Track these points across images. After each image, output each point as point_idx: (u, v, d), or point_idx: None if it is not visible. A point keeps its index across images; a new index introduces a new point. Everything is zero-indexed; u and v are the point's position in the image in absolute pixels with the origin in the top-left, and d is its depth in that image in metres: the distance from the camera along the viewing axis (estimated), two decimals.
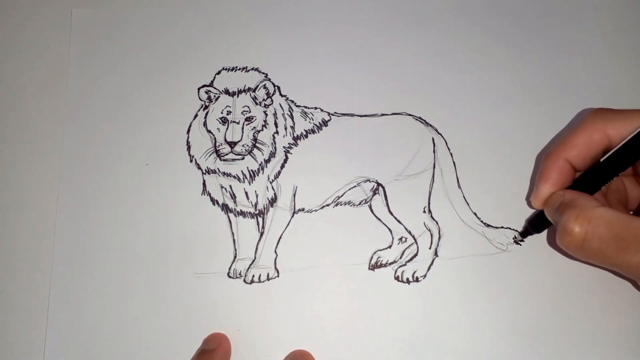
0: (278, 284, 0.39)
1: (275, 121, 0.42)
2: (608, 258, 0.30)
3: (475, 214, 0.40)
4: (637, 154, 0.30)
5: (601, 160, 0.32)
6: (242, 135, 0.41)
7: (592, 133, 0.32)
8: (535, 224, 0.37)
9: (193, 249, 0.40)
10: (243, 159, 0.41)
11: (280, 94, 0.43)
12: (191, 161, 0.42)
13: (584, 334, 0.37)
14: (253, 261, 0.39)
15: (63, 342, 0.38)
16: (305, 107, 0.43)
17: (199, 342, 0.37)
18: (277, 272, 0.39)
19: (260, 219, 0.40)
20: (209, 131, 0.42)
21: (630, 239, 0.29)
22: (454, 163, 0.41)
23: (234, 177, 0.41)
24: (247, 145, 0.41)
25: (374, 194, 0.41)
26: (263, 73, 0.44)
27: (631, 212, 0.36)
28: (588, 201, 0.31)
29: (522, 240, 0.39)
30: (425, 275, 0.39)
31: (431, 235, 0.40)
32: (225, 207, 0.41)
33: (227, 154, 0.41)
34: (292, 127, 0.42)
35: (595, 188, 0.33)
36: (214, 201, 0.41)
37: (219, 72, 0.44)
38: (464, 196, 0.40)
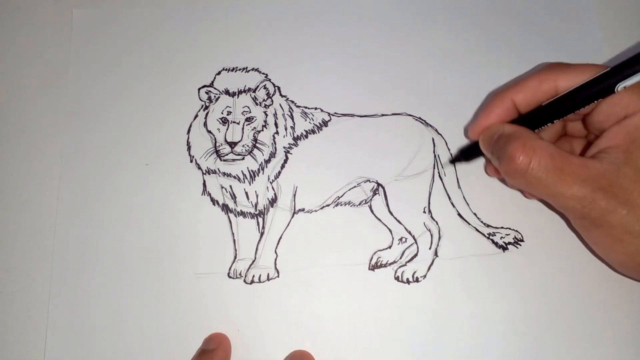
0: (278, 284, 0.39)
1: (275, 121, 0.42)
2: (546, 187, 0.32)
3: (475, 214, 0.40)
4: (576, 104, 0.32)
5: (543, 104, 0.34)
6: (242, 136, 0.41)
7: (542, 81, 0.34)
8: (467, 152, 0.39)
9: (193, 249, 0.40)
10: (243, 159, 0.41)
11: (281, 95, 0.43)
12: (191, 161, 0.42)
13: (585, 334, 0.37)
14: (253, 261, 0.39)
15: (63, 342, 0.38)
16: (306, 108, 0.43)
17: (199, 342, 0.37)
18: (277, 272, 0.39)
19: (260, 219, 0.40)
20: (209, 131, 0.42)
21: (568, 171, 0.31)
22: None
23: (234, 177, 0.41)
24: (247, 146, 0.41)
25: (374, 194, 0.41)
26: (263, 73, 0.44)
27: None
28: (530, 133, 0.33)
29: (521, 241, 0.39)
30: (425, 276, 0.39)
31: (431, 235, 0.40)
32: (225, 208, 0.41)
33: (227, 154, 0.41)
34: (292, 128, 0.42)
35: (534, 127, 0.35)
36: (214, 201, 0.41)
37: (219, 73, 0.44)
38: (464, 196, 0.40)
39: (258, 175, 0.41)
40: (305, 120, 0.42)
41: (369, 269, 0.39)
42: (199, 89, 0.43)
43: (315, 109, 0.43)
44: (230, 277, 0.39)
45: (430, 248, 0.39)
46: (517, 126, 0.35)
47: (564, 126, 0.38)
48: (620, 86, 0.30)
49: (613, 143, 0.32)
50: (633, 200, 0.30)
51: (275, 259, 0.39)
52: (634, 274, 0.35)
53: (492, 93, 0.40)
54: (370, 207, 0.41)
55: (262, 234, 0.40)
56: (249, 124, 0.42)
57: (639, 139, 0.31)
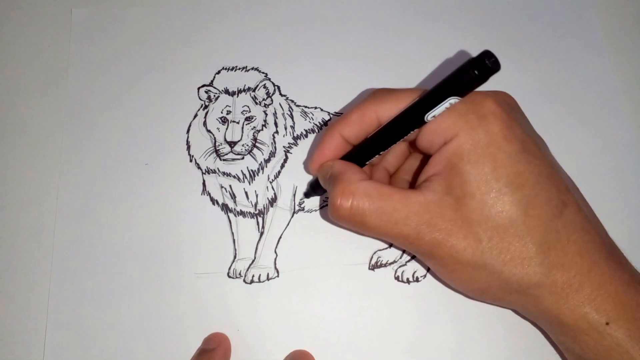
0: (278, 284, 0.39)
1: (275, 121, 0.42)
2: (372, 230, 0.31)
3: None
4: (394, 136, 0.32)
5: (367, 137, 0.34)
6: (242, 135, 0.41)
7: (365, 113, 0.33)
8: (315, 187, 0.38)
9: (193, 249, 0.40)
10: (243, 158, 0.41)
11: (280, 94, 0.43)
12: (191, 161, 0.42)
13: None
14: (253, 261, 0.39)
15: (63, 342, 0.38)
16: (305, 107, 0.43)
17: (199, 342, 0.37)
18: (277, 272, 0.39)
19: (260, 219, 0.40)
20: (208, 131, 0.42)
21: (389, 210, 0.30)
22: None
23: (234, 176, 0.41)
24: (247, 145, 0.41)
25: None
26: (263, 73, 0.44)
27: (409, 181, 0.37)
28: (354, 174, 0.32)
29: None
30: (425, 275, 0.39)
31: None
32: (225, 207, 0.41)
33: (227, 154, 0.41)
34: (292, 127, 0.42)
35: (361, 162, 0.34)
36: (213, 201, 0.41)
37: (218, 72, 0.44)
38: None
39: (258, 175, 0.41)
40: (305, 119, 0.42)
41: (369, 268, 0.39)
42: (199, 89, 0.43)
43: (315, 108, 0.43)
44: (230, 276, 0.39)
45: None
46: (345, 164, 0.34)
47: (410, 148, 0.37)
48: (429, 116, 0.29)
49: (435, 171, 0.30)
50: (456, 231, 0.29)
51: (275, 259, 0.39)
52: (481, 299, 0.34)
53: (324, 129, 0.40)
54: None
55: (261, 233, 0.40)
56: (248, 124, 0.42)
57: (457, 166, 0.29)
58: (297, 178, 0.41)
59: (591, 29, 0.45)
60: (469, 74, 0.27)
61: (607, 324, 0.29)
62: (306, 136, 0.42)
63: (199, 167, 0.42)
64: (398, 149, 0.37)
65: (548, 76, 0.43)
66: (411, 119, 0.30)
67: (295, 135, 0.42)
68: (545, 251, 0.29)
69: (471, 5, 0.46)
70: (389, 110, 0.32)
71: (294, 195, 0.41)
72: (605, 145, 0.42)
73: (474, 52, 0.44)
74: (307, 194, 0.40)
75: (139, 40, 0.45)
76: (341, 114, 0.42)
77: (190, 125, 0.43)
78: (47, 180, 0.42)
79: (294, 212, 0.40)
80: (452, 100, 0.28)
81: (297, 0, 0.46)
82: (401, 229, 0.30)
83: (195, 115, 0.43)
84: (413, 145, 0.36)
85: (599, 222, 0.32)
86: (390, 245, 0.39)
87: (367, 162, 0.34)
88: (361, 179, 0.32)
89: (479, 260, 0.30)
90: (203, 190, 0.41)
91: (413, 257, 0.39)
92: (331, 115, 0.43)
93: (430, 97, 0.29)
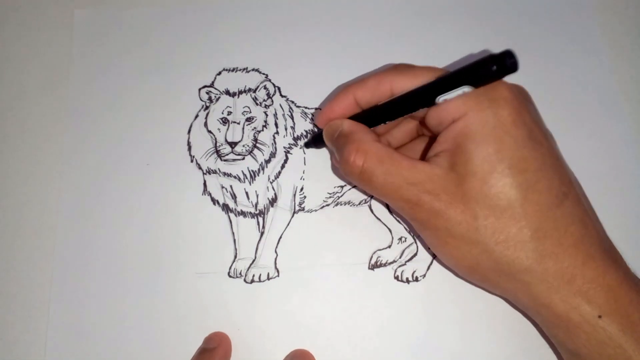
0: (278, 283, 0.39)
1: (275, 121, 0.42)
2: (377, 189, 0.33)
3: None
4: (403, 109, 0.33)
5: (378, 104, 0.35)
6: (242, 136, 0.42)
7: (380, 82, 0.34)
8: (317, 140, 0.39)
9: (193, 248, 0.40)
10: (243, 159, 0.41)
11: (281, 95, 0.43)
12: (192, 161, 0.42)
13: None
14: (253, 261, 0.39)
15: (63, 342, 0.38)
16: (306, 108, 0.43)
17: (199, 342, 0.37)
18: (277, 271, 0.39)
19: (260, 219, 0.41)
20: (209, 131, 0.42)
21: (397, 173, 0.32)
22: None
23: (235, 177, 0.41)
24: (248, 146, 0.41)
25: None
26: (263, 74, 0.44)
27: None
28: (366, 134, 0.34)
29: None
30: (424, 275, 0.39)
31: None
32: (225, 207, 0.41)
33: (227, 154, 0.41)
34: (293, 128, 0.42)
35: (370, 124, 0.35)
36: (214, 201, 0.41)
37: (219, 73, 0.44)
38: None
39: (258, 175, 0.41)
40: (306, 120, 0.43)
41: (369, 268, 0.39)
42: (200, 89, 0.43)
43: (316, 109, 0.43)
44: (230, 276, 0.39)
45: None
46: (355, 124, 0.35)
47: (420, 126, 0.38)
48: (440, 99, 0.30)
49: (443, 148, 0.31)
50: (455, 204, 0.30)
51: (275, 259, 0.39)
52: (470, 278, 0.35)
53: (341, 86, 0.42)
54: (370, 206, 0.41)
55: (262, 233, 0.40)
56: (249, 124, 0.42)
57: (463, 144, 0.30)
58: (297, 178, 0.41)
59: (590, 30, 0.45)
60: (488, 68, 0.28)
61: (599, 317, 0.29)
62: (306, 137, 0.42)
63: (199, 168, 0.42)
64: (407, 126, 0.38)
65: (547, 76, 0.44)
66: (423, 97, 0.32)
67: (295, 135, 0.42)
68: (540, 238, 0.29)
69: (471, 6, 0.46)
70: (404, 84, 0.33)
71: (294, 195, 0.41)
72: (603, 146, 0.42)
73: (471, 52, 0.44)
74: (308, 144, 0.41)
75: (141, 42, 0.45)
76: None
77: (191, 126, 0.43)
78: (49, 181, 0.42)
79: (294, 212, 0.41)
80: (466, 89, 0.29)
81: (298, 2, 0.46)
82: (403, 193, 0.31)
83: (196, 116, 0.43)
84: (421, 127, 0.37)
85: (598, 219, 0.32)
86: (390, 246, 0.39)
87: (371, 128, 0.35)
88: (374, 139, 0.33)
89: (472, 236, 0.30)
90: (204, 190, 0.41)
91: (413, 257, 0.39)
92: None
93: (445, 81, 0.30)
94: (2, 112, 0.44)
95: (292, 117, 0.43)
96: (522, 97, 0.31)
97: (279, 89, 0.44)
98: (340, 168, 0.35)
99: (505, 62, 0.28)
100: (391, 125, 0.36)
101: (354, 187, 0.41)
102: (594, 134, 0.42)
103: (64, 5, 0.47)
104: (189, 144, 0.42)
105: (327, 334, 0.38)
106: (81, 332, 0.38)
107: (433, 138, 0.34)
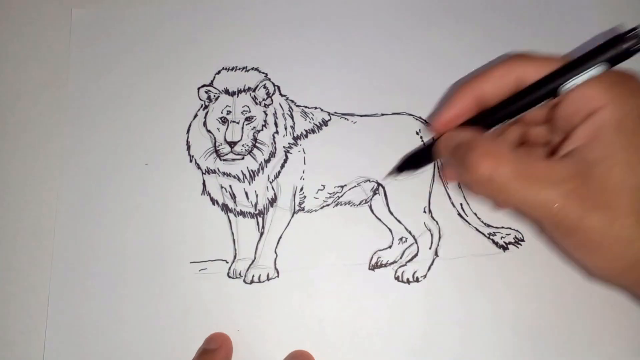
0: (278, 284, 0.39)
1: (275, 121, 0.42)
2: (512, 196, 0.30)
3: (475, 213, 0.40)
4: (530, 102, 0.31)
5: (500, 101, 0.33)
6: (242, 135, 0.41)
7: (506, 72, 0.32)
8: (419, 158, 0.38)
9: (193, 249, 0.40)
10: (243, 158, 0.41)
11: (280, 94, 0.43)
12: (191, 161, 0.42)
13: (584, 334, 0.37)
14: (253, 261, 0.39)
15: (63, 342, 0.38)
16: (305, 107, 0.43)
17: (199, 342, 0.37)
18: (277, 272, 0.39)
19: (260, 219, 0.40)
20: (208, 131, 0.42)
21: (535, 176, 0.29)
22: None
23: (234, 177, 0.41)
24: (247, 145, 0.41)
25: (374, 193, 0.41)
26: (263, 73, 0.44)
27: None
28: (491, 140, 0.31)
29: (522, 240, 0.39)
30: (425, 276, 0.39)
31: (431, 235, 0.40)
32: (225, 207, 0.41)
33: (227, 154, 0.41)
34: (292, 127, 0.42)
35: (494, 123, 0.33)
36: (213, 201, 0.41)
37: (218, 72, 0.44)
38: (464, 196, 0.40)
39: (258, 175, 0.41)
40: (305, 119, 0.42)
41: (369, 268, 0.39)
42: (199, 89, 0.43)
43: (315, 108, 0.43)
44: (230, 277, 0.39)
45: (430, 248, 0.39)
46: (475, 132, 0.33)
47: (523, 133, 0.37)
48: (569, 84, 0.29)
49: (582, 142, 0.29)
50: (606, 201, 0.28)
51: (275, 259, 0.39)
52: (613, 280, 0.32)
53: (456, 84, 0.40)
54: (370, 206, 0.40)
55: (261, 233, 0.40)
56: (248, 124, 0.42)
57: (607, 136, 0.28)
58: (297, 178, 0.41)
59: (590, 30, 0.45)
60: (630, 43, 0.28)
61: None
62: (306, 136, 0.42)
63: (199, 167, 0.42)
64: (511, 135, 0.36)
65: None
66: (549, 86, 0.30)
67: (295, 135, 0.42)
68: None
69: (471, 7, 0.46)
70: (532, 74, 0.31)
71: (294, 195, 0.41)
72: None
73: (474, 52, 0.44)
74: (401, 168, 0.39)
75: (139, 41, 0.45)
76: (342, 114, 0.42)
77: (190, 126, 0.43)
78: (48, 180, 0.42)
79: (294, 212, 0.40)
80: (600, 67, 0.28)
81: (297, 0, 0.46)
82: (546, 196, 0.29)
83: (195, 116, 0.43)
84: (526, 132, 0.35)
85: None
86: (390, 246, 0.39)
87: (497, 124, 0.33)
88: (499, 142, 0.31)
89: (631, 234, 0.28)
90: (203, 190, 0.41)
91: (413, 258, 0.39)
92: (331, 116, 0.43)
93: (576, 63, 0.29)
94: (1, 112, 0.44)
95: (291, 117, 0.42)
96: None
97: (278, 88, 0.43)
98: (465, 180, 0.32)
99: None
100: (510, 122, 0.33)
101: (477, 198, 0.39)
102: None
103: (62, 4, 0.46)
104: (188, 143, 0.42)
105: (327, 335, 0.38)
106: (80, 332, 0.38)
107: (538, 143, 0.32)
